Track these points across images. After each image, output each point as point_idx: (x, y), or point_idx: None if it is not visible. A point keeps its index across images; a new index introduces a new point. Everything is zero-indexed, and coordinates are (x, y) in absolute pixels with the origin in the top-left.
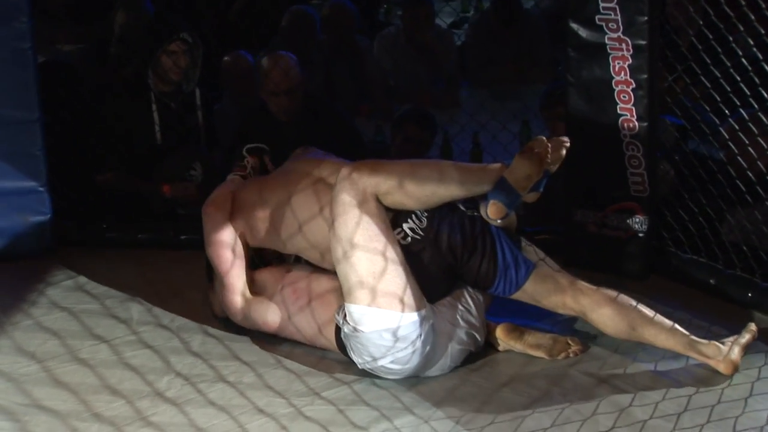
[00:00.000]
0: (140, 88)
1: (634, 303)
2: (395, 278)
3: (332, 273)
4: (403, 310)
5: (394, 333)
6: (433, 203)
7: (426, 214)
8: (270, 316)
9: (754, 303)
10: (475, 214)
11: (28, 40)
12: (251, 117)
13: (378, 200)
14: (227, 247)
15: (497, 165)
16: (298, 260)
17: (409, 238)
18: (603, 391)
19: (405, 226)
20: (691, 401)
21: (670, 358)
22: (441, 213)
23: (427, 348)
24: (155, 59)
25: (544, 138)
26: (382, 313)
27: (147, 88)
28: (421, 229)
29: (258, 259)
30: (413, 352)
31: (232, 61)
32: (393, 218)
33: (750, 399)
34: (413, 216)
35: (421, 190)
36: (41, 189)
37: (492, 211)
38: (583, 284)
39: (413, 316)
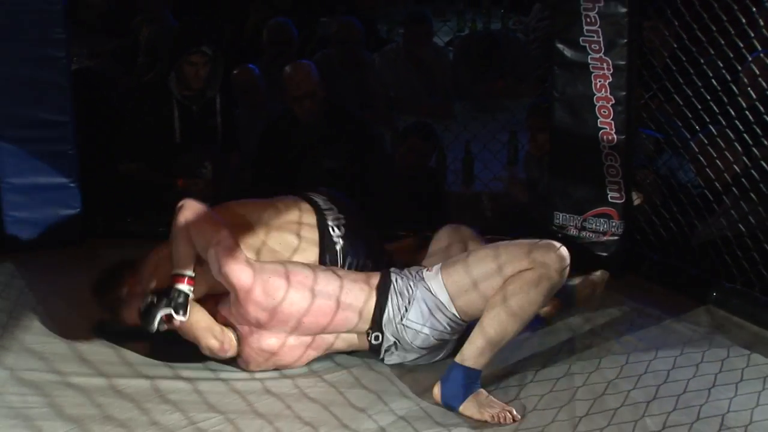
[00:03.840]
0: (162, 93)
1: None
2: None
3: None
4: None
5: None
6: None
7: None
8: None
9: (718, 301)
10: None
11: (63, 49)
12: (276, 122)
13: None
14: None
15: None
16: None
17: None
18: (578, 381)
19: None
20: (659, 391)
21: (641, 350)
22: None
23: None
24: (178, 68)
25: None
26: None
27: (168, 92)
28: None
29: None
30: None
31: (239, 74)
32: None
33: (713, 389)
34: None
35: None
36: (72, 185)
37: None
38: None
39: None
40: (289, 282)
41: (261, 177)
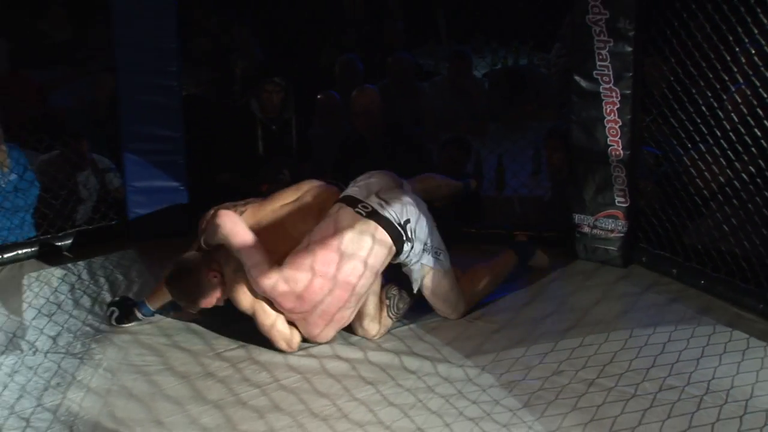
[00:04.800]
0: (249, 115)
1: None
2: None
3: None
4: None
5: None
6: None
7: None
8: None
9: (705, 288)
10: None
11: (175, 79)
12: (347, 139)
13: None
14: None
15: None
16: None
17: None
18: (591, 351)
19: None
20: (656, 360)
21: (642, 326)
22: None
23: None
24: (258, 95)
25: None
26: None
27: (253, 115)
28: None
29: None
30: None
31: (324, 98)
32: None
33: (701, 359)
34: None
35: None
36: (182, 188)
37: None
38: None
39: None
40: (315, 272)
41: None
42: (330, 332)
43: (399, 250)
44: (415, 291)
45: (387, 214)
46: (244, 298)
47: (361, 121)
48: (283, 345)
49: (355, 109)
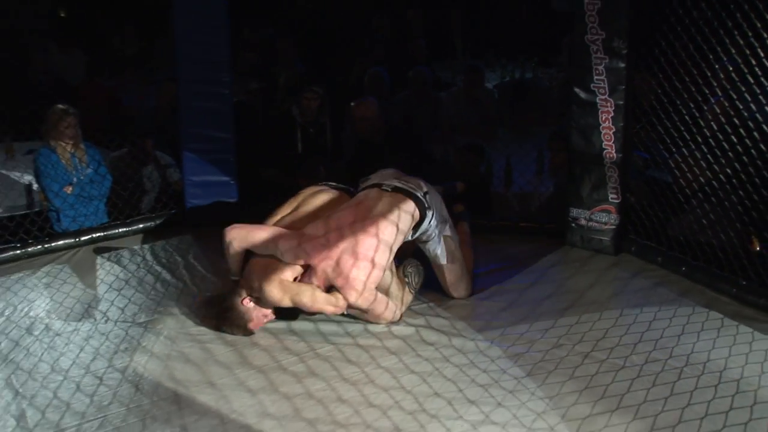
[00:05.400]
0: (290, 119)
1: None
2: None
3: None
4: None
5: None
6: None
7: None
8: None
9: (686, 274)
10: None
11: (227, 88)
12: (359, 142)
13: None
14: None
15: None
16: None
17: None
18: (585, 328)
19: None
20: (643, 336)
21: (631, 307)
22: None
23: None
24: (298, 101)
25: None
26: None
27: (294, 119)
28: None
29: None
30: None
31: (357, 106)
32: None
33: (681, 336)
34: None
35: None
36: (232, 182)
37: None
38: None
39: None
40: (328, 224)
41: (352, 174)
42: (360, 274)
43: (423, 216)
44: (444, 262)
45: (408, 188)
46: (277, 297)
47: (360, 126)
48: (330, 309)
49: (356, 116)
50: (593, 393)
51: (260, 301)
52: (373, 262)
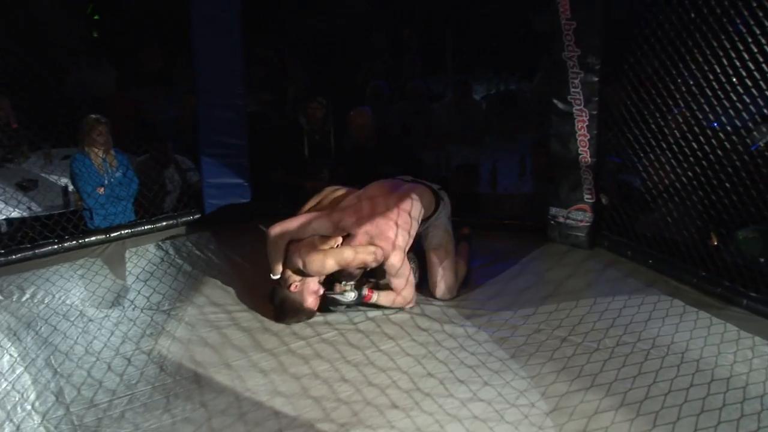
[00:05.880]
0: (297, 127)
1: None
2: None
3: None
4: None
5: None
6: None
7: None
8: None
9: (652, 266)
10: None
11: (241, 99)
12: (354, 146)
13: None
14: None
15: None
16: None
17: None
18: (563, 315)
19: None
20: (614, 321)
21: (603, 295)
22: None
23: None
24: (305, 111)
25: None
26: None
27: (300, 127)
28: None
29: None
30: None
31: (353, 114)
32: None
33: (648, 321)
34: None
35: None
36: (245, 184)
37: None
38: None
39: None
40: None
41: (348, 173)
42: (394, 234)
43: (440, 198)
44: (438, 241)
45: (424, 183)
46: (321, 263)
47: (356, 133)
48: (370, 258)
49: (352, 124)
50: (570, 373)
51: (306, 278)
52: (402, 227)
